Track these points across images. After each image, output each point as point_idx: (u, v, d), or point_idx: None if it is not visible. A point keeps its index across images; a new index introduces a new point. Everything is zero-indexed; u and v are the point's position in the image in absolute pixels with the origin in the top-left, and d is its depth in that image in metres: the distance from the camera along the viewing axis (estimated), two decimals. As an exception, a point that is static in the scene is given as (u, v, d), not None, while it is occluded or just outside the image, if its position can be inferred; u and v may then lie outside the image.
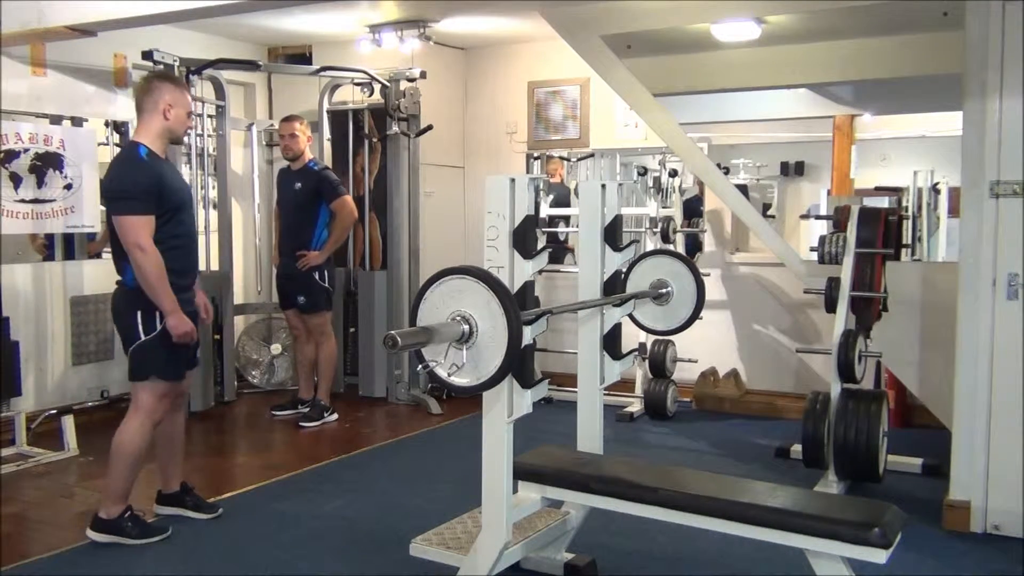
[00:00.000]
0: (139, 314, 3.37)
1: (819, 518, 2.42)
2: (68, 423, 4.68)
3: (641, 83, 4.72)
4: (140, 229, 3.27)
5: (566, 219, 6.06)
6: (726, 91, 5.37)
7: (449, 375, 2.44)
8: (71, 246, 5.44)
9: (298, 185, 5.37)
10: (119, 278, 3.43)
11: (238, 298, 6.25)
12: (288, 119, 5.39)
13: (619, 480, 2.79)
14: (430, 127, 5.91)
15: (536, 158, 6.36)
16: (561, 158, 6.41)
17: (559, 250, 6.20)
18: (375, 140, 6.12)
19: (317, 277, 5.34)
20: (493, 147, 6.63)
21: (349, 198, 5.40)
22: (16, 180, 4.88)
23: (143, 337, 3.38)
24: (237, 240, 6.24)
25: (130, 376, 3.46)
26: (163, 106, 3.41)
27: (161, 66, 5.07)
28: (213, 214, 5.85)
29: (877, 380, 5.06)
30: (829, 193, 6.54)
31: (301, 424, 5.36)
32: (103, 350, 5.45)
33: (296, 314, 5.48)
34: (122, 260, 3.38)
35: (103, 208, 3.68)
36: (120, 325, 3.47)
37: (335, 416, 5.49)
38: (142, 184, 3.32)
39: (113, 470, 3.42)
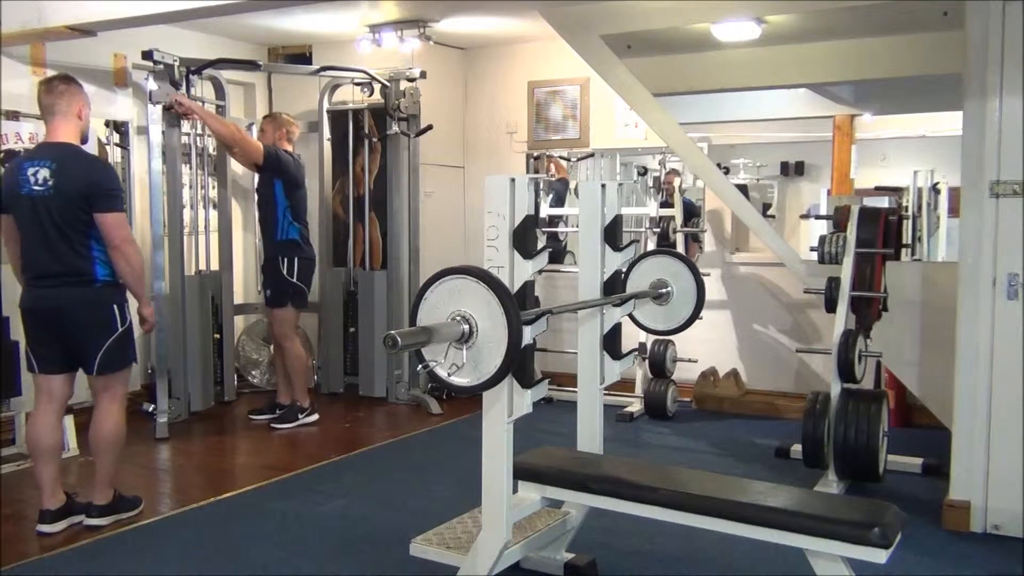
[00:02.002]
0: (115, 307, 3.52)
1: (819, 518, 2.42)
2: (68, 423, 4.67)
3: (641, 83, 4.72)
4: (126, 225, 3.51)
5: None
6: (726, 91, 5.37)
7: (449, 375, 2.44)
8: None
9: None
10: (76, 277, 3.45)
11: (238, 298, 6.24)
12: (265, 116, 5.55)
13: (619, 480, 2.79)
14: (430, 127, 5.91)
15: (536, 158, 6.36)
16: (561, 158, 6.41)
17: (558, 250, 6.20)
18: (375, 140, 6.12)
19: (285, 271, 5.27)
20: (493, 147, 6.63)
21: (259, 144, 5.21)
22: (16, 180, 4.87)
23: (120, 328, 3.52)
24: (237, 240, 6.23)
25: (109, 369, 3.53)
26: (77, 108, 3.57)
27: (161, 66, 5.07)
28: (213, 214, 5.85)
29: (877, 380, 5.06)
30: (829, 193, 6.55)
31: (273, 426, 5.30)
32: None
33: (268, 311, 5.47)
34: (84, 259, 3.44)
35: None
36: (92, 321, 3.48)
37: (314, 417, 5.41)
38: (119, 182, 3.59)
39: (105, 461, 3.61)
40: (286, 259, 5.29)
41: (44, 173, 3.41)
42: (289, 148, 5.42)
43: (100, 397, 3.61)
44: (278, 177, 5.26)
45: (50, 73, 5.09)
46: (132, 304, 3.63)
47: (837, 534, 2.36)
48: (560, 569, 3.10)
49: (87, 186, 3.40)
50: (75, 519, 3.64)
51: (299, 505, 3.91)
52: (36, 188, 3.41)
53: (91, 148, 5.14)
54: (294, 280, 5.31)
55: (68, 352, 3.55)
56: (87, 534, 3.54)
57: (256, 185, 5.54)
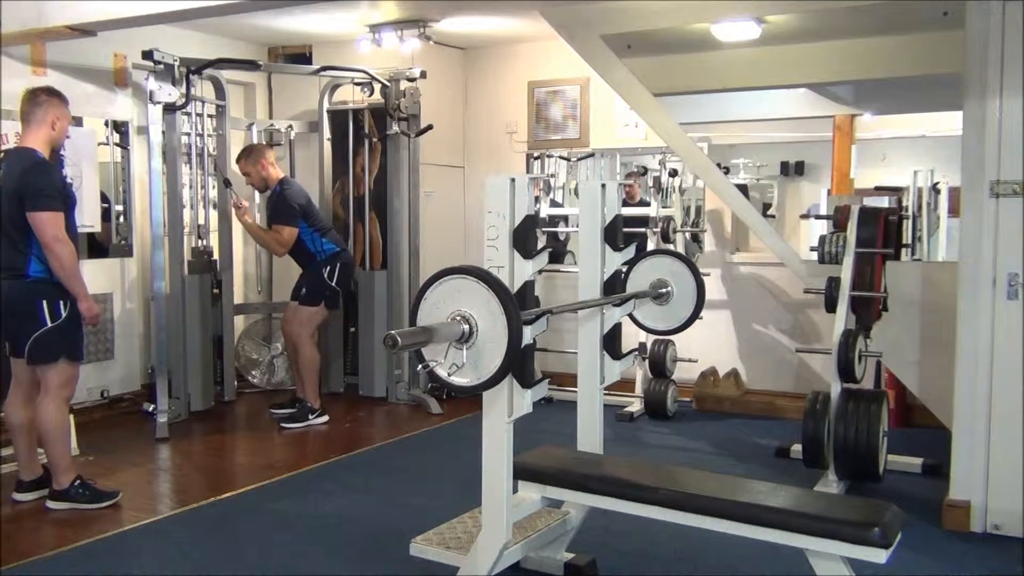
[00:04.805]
0: (43, 303, 3.67)
1: (819, 518, 2.42)
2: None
3: (641, 83, 4.72)
4: (59, 224, 3.63)
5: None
6: (726, 91, 5.37)
7: (449, 375, 2.44)
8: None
9: (269, 210, 5.45)
10: (12, 271, 3.66)
11: (238, 298, 6.24)
12: (239, 158, 5.43)
13: (619, 480, 2.79)
14: (430, 127, 5.91)
15: (536, 158, 6.36)
16: (561, 158, 6.41)
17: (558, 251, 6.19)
18: (375, 140, 6.12)
19: (326, 275, 5.33)
20: (493, 147, 6.63)
21: (287, 230, 5.23)
22: (16, 180, 4.87)
23: (49, 324, 3.68)
24: (237, 240, 6.23)
25: (35, 360, 3.71)
26: (52, 119, 3.74)
27: (161, 66, 5.07)
28: (213, 214, 5.85)
29: (877, 380, 5.06)
30: (829, 193, 6.55)
31: (283, 425, 5.29)
32: (103, 350, 5.46)
33: (293, 307, 5.47)
34: (22, 254, 3.65)
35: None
36: (19, 315, 3.69)
37: (324, 418, 5.40)
38: (56, 184, 3.70)
39: (50, 448, 3.79)
40: (328, 266, 5.34)
41: (0, 174, 3.70)
42: (276, 171, 5.37)
43: (42, 388, 3.78)
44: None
45: (50, 73, 5.14)
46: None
47: (837, 534, 2.36)
48: (560, 569, 3.10)
49: (21, 185, 3.60)
50: (46, 492, 3.88)
51: (299, 505, 3.91)
52: None
53: (89, 152, 5.22)
54: (332, 284, 5.37)
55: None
56: (87, 534, 3.54)
57: (270, 220, 5.48)
